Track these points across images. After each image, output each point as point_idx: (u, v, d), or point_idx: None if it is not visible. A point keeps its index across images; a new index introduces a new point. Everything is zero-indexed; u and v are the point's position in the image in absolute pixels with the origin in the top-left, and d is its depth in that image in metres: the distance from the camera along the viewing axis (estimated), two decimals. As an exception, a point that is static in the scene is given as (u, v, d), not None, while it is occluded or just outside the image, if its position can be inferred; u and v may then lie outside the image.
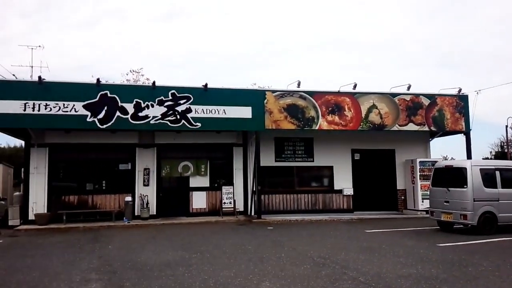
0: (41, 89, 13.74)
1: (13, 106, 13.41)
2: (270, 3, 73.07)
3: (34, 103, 13.59)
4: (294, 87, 16.16)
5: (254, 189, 16.35)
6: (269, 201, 17.12)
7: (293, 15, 75.27)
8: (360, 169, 18.10)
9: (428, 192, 13.56)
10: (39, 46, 18.97)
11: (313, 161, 17.75)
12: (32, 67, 19.75)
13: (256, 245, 9.95)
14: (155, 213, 15.90)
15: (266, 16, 73.58)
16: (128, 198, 15.11)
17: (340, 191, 17.69)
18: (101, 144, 15.64)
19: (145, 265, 7.82)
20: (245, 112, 15.36)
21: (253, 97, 15.63)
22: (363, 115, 16.54)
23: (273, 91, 15.96)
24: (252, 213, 16.44)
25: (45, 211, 14.91)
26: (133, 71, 29.17)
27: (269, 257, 8.42)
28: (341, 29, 74.35)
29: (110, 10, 73.27)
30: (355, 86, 16.53)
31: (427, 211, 14.69)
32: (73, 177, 15.87)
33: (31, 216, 14.73)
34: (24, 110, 13.52)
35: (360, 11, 75.06)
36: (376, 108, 16.69)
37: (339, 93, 16.57)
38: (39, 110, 13.62)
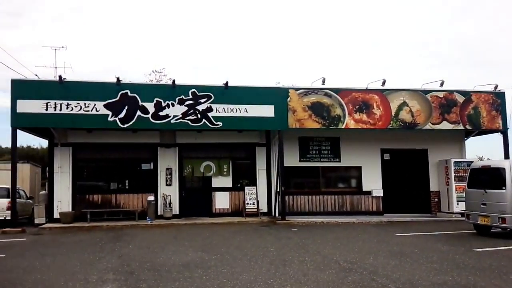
0: (62, 88, 13.90)
1: (35, 106, 13.61)
2: (294, 2, 72.58)
3: (55, 103, 13.75)
4: (318, 85, 15.77)
5: (278, 190, 16.05)
6: (293, 202, 16.78)
7: (318, 14, 74.56)
8: (391, 169, 17.49)
9: (464, 194, 12.87)
10: (62, 47, 19.37)
11: (339, 161, 17.30)
12: (56, 68, 20.23)
13: (278, 247, 9.66)
14: (177, 213, 15.86)
15: (291, 16, 73.14)
16: (151, 198, 15.12)
17: (369, 193, 17.15)
18: (123, 144, 15.73)
19: (164, 266, 7.65)
20: (267, 110, 15.09)
21: (276, 95, 15.33)
22: (393, 113, 15.97)
23: (297, 89, 15.62)
24: (276, 214, 16.15)
25: (70, 210, 15.09)
26: (156, 71, 29.40)
27: (292, 260, 8.11)
28: (369, 28, 73.02)
29: (133, 14, 74.49)
30: (384, 83, 15.99)
31: (462, 214, 13.97)
32: (96, 176, 16.08)
33: (56, 215, 14.94)
34: (46, 109, 13.70)
35: (389, 9, 73.58)
36: (407, 105, 16.09)
37: (367, 90, 16.07)
38: (60, 110, 13.78)
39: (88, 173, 15.97)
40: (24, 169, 22.35)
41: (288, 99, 15.38)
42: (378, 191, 17.04)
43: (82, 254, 8.92)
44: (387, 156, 17.54)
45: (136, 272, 7.19)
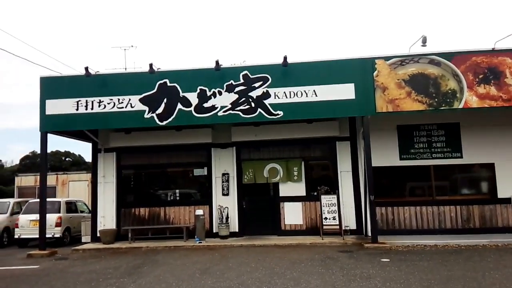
0: (94, 84, 12.34)
1: (65, 106, 12.27)
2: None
3: (87, 101, 12.25)
4: (418, 49, 11.78)
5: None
6: (394, 216, 12.97)
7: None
8: (541, 166, 12.60)
9: None
10: (132, 46, 18.33)
11: (461, 156, 12.98)
12: (125, 69, 19.36)
13: (335, 299, 6.34)
14: (237, 230, 13.31)
15: None
16: (199, 212, 12.78)
17: (507, 201, 12.62)
18: (172, 146, 13.74)
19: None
20: (344, 91, 11.63)
21: (356, 69, 11.74)
22: (538, 82, 11.22)
23: (387, 58, 11.80)
24: (369, 233, 12.52)
25: (114, 226, 13.59)
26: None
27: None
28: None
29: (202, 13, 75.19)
30: (521, 36, 11.32)
31: None
32: (143, 187, 14.46)
33: (99, 232, 13.52)
34: (77, 109, 12.27)
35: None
36: (560, 69, 11.19)
37: (494, 52, 11.61)
38: (92, 108, 12.22)
39: (134, 183, 14.34)
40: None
41: (375, 73, 11.70)
42: (523, 199, 12.29)
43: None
44: (534, 147, 12.65)
45: None
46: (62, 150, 50.81)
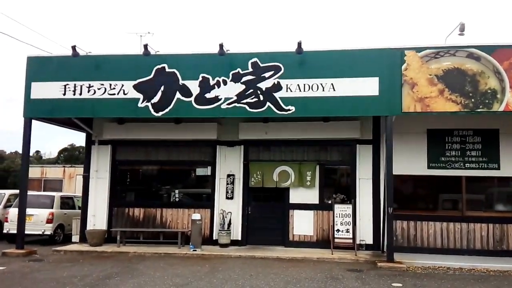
0: (83, 66, 11.36)
1: (52, 90, 11.33)
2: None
3: (75, 85, 11.28)
4: (454, 40, 10.39)
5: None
6: (416, 231, 11.63)
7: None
8: None
9: None
10: (148, 32, 17.33)
11: (497, 168, 11.57)
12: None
13: None
14: (239, 238, 12.15)
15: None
16: (196, 216, 11.65)
17: (549, 221, 11.09)
18: (172, 141, 12.68)
19: None
20: (367, 86, 10.31)
21: (382, 61, 10.38)
22: None
23: (419, 49, 10.40)
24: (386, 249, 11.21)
25: (105, 227, 12.61)
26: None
27: None
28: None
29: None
30: None
31: None
32: (139, 185, 13.46)
33: (86, 233, 12.56)
34: (64, 94, 11.31)
35: None
36: None
37: (544, 46, 10.13)
38: (80, 94, 11.25)
39: (130, 180, 13.33)
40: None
41: (404, 66, 10.34)
42: None
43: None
44: None
45: None
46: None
